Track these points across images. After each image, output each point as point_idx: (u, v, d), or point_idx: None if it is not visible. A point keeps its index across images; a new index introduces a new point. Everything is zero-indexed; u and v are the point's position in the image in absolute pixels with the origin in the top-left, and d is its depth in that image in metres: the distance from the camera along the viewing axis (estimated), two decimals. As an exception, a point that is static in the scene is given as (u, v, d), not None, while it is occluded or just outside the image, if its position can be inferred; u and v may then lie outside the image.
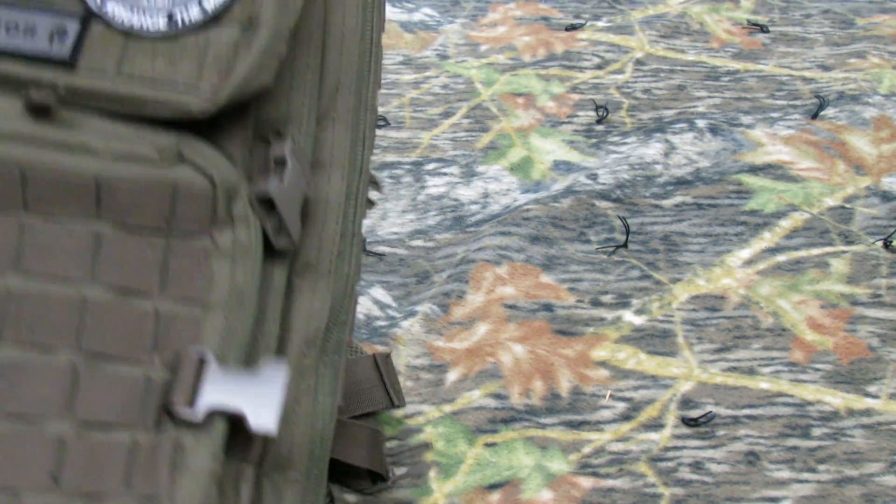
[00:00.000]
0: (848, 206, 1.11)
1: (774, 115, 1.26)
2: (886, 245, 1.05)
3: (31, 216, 0.52)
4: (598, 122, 1.25)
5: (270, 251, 0.56)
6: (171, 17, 0.53)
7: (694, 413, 0.88)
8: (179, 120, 0.53)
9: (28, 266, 0.51)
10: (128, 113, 0.53)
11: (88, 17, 0.53)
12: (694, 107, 1.28)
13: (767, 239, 1.07)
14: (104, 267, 0.52)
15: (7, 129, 0.51)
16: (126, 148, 0.52)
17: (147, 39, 0.53)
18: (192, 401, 0.51)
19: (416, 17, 1.49)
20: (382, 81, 1.33)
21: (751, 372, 0.92)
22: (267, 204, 0.55)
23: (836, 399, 0.89)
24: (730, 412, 0.88)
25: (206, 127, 0.55)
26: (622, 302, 0.99)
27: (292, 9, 0.55)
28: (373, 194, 0.79)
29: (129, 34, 0.53)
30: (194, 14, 0.53)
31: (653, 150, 1.19)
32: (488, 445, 0.85)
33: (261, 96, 0.57)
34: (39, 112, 0.52)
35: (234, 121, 0.56)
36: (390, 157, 1.19)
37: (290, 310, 0.59)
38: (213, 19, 0.53)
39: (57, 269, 0.51)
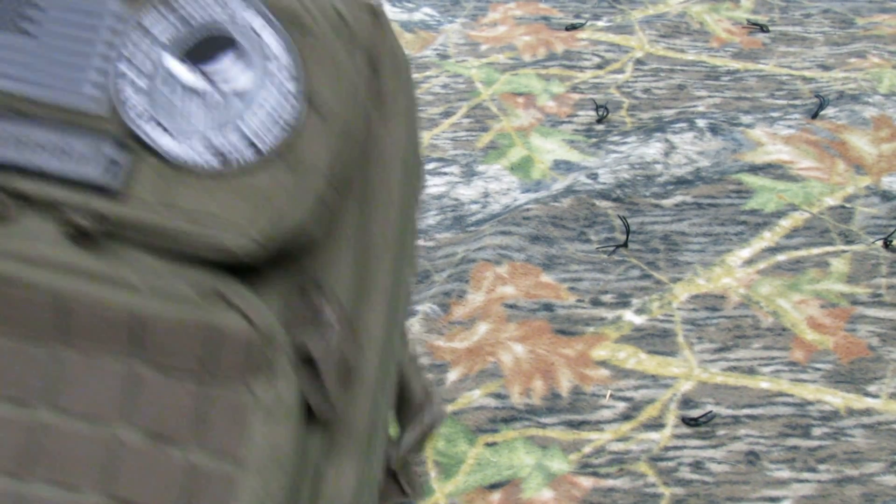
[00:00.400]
0: (848, 205, 1.11)
1: (774, 114, 1.26)
2: (886, 244, 1.05)
3: (67, 349, 0.50)
4: (599, 121, 1.25)
5: (306, 418, 0.53)
6: (223, 155, 0.52)
7: (694, 413, 0.88)
8: (223, 261, 0.52)
9: (62, 401, 0.50)
10: (171, 249, 0.51)
11: (139, 149, 0.52)
12: (694, 106, 1.28)
13: (767, 238, 1.07)
14: (139, 409, 0.50)
15: (46, 256, 0.50)
16: (165, 285, 0.50)
17: (197, 175, 0.52)
18: None
19: (417, 16, 1.49)
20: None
21: (751, 371, 0.92)
22: (307, 363, 0.53)
23: (836, 399, 0.89)
24: (730, 412, 0.88)
25: (246, 275, 0.53)
26: (622, 301, 0.99)
27: (342, 156, 0.54)
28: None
29: (179, 168, 0.52)
30: (247, 154, 0.52)
31: (653, 149, 1.19)
32: (489, 445, 0.85)
33: (303, 250, 0.55)
34: (81, 240, 0.51)
35: (274, 272, 0.54)
36: (390, 157, 1.19)
37: (317, 497, 0.55)
38: (264, 161, 0.52)
39: (90, 408, 0.50)
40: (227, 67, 0.53)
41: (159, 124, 0.52)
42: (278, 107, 0.52)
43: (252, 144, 0.52)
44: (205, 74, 0.53)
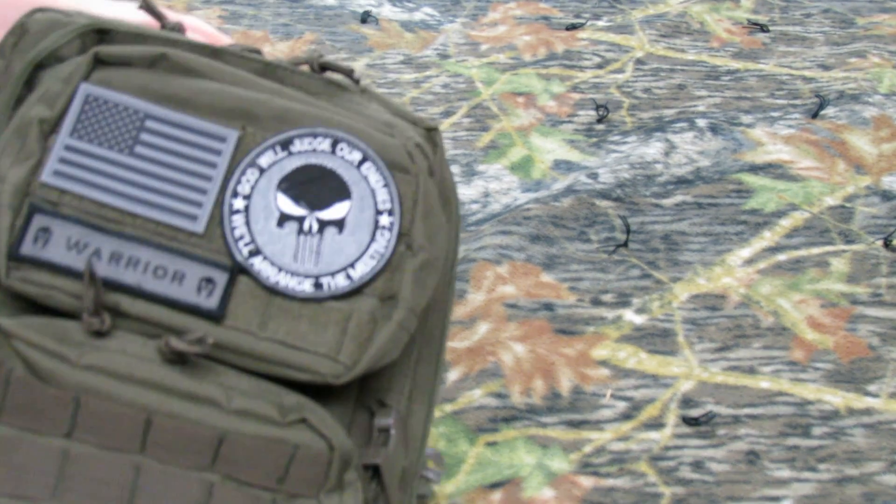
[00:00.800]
0: (848, 205, 1.11)
1: (775, 114, 1.26)
2: (886, 244, 1.05)
3: (147, 458, 0.52)
4: (599, 121, 1.25)
5: None
6: (317, 282, 0.54)
7: (694, 412, 0.88)
8: (308, 382, 0.54)
9: None
10: (260, 368, 0.53)
11: (236, 271, 0.54)
12: (694, 106, 1.28)
13: (768, 238, 1.07)
14: None
15: (136, 372, 0.52)
16: (251, 406, 0.52)
17: (291, 300, 0.54)
18: None
19: (417, 16, 1.49)
20: (382, 81, 1.33)
21: (751, 371, 0.92)
22: (370, 473, 0.55)
23: (836, 398, 0.89)
24: (730, 411, 0.88)
25: (320, 392, 0.56)
26: (623, 301, 0.99)
27: (427, 288, 0.56)
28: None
29: (275, 293, 0.54)
30: (340, 283, 0.54)
31: (653, 149, 1.19)
32: (489, 444, 0.85)
33: (378, 370, 0.57)
34: (175, 360, 0.52)
35: (345, 389, 0.56)
36: (391, 157, 1.19)
37: None
38: (355, 289, 0.54)
39: None
40: (330, 200, 0.56)
41: (261, 252, 0.54)
42: (371, 238, 0.55)
43: (345, 273, 0.55)
44: (307, 205, 0.55)
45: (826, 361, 0.93)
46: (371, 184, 0.56)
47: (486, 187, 1.15)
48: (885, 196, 1.12)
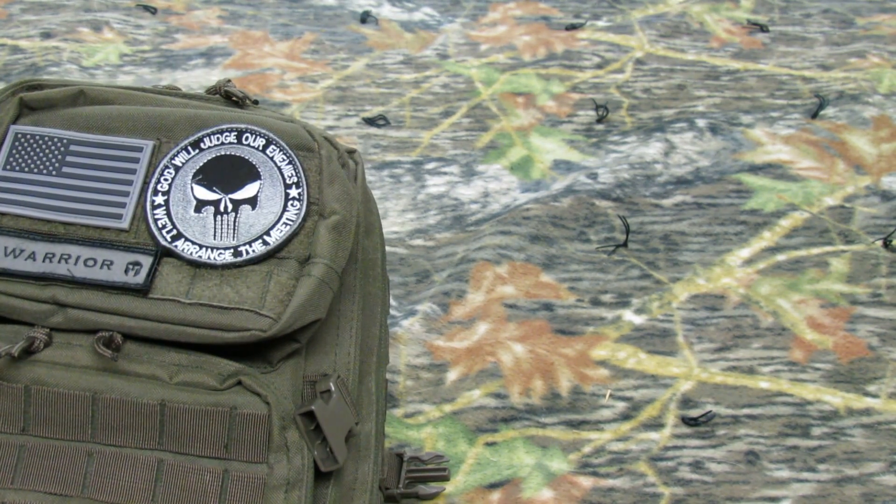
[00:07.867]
0: (848, 205, 1.11)
1: (774, 114, 1.26)
2: (886, 244, 1.05)
3: (98, 445, 0.57)
4: (598, 121, 1.25)
5: (318, 475, 0.60)
6: (236, 251, 0.60)
7: (694, 412, 0.88)
8: (241, 342, 0.58)
9: (94, 492, 0.56)
10: (193, 337, 0.58)
11: (160, 253, 0.60)
12: (694, 106, 1.28)
13: (767, 238, 1.07)
14: (166, 491, 0.56)
15: (84, 362, 0.57)
16: (190, 377, 0.57)
17: (213, 268, 0.60)
18: None
19: (417, 16, 1.49)
20: (382, 81, 1.33)
21: (751, 371, 0.92)
22: (314, 428, 0.59)
23: (835, 398, 0.89)
24: (730, 411, 0.88)
25: (264, 368, 0.60)
26: (622, 301, 0.99)
27: (343, 248, 0.61)
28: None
29: (196, 265, 0.60)
30: (258, 248, 0.60)
31: (653, 149, 1.19)
32: (489, 445, 0.85)
33: (310, 348, 0.62)
34: (110, 343, 0.58)
35: (288, 368, 0.61)
36: (390, 157, 1.19)
37: None
38: (274, 252, 0.60)
39: (120, 496, 0.56)
40: (241, 183, 0.62)
41: (183, 236, 0.60)
42: (283, 208, 0.61)
43: (262, 240, 0.60)
44: (221, 189, 0.62)
45: (825, 362, 0.93)
46: (277, 163, 0.63)
47: (486, 187, 1.14)
48: (885, 196, 1.12)
